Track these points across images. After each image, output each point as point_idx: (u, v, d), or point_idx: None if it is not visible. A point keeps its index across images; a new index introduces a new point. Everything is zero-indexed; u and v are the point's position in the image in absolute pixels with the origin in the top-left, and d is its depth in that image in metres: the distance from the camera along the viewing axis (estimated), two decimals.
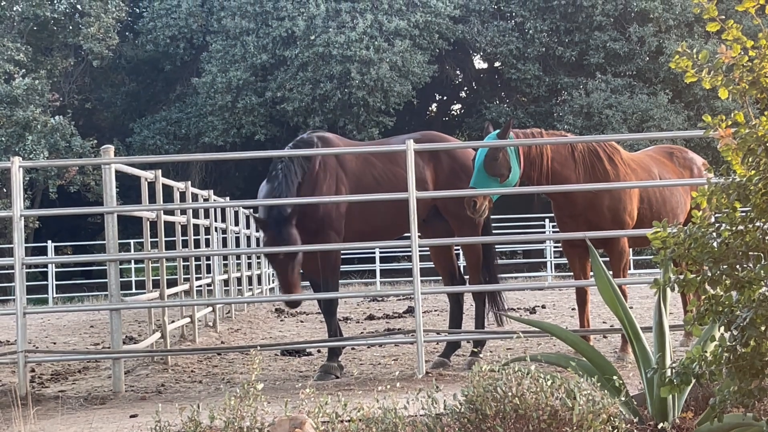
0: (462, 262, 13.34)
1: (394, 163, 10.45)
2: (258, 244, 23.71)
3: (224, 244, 19.85)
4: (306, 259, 10.99)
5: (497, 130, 10.17)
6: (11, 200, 10.05)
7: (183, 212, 14.28)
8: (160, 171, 12.91)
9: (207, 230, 17.10)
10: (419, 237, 10.62)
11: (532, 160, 10.09)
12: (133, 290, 29.81)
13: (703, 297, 5.12)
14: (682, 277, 5.10)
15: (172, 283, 14.10)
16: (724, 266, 4.98)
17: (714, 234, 5.06)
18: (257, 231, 22.72)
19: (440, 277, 11.79)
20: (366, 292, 17.38)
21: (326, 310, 10.60)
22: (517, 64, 38.76)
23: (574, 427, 5.21)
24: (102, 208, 10.39)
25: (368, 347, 12.48)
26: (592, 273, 7.85)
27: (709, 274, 5.02)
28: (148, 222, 12.48)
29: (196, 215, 16.17)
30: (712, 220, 5.17)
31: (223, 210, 19.28)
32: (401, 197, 9.97)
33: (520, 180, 10.13)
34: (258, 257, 23.82)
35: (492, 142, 9.94)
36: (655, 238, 5.13)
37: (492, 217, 11.28)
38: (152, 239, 13.15)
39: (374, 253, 30.81)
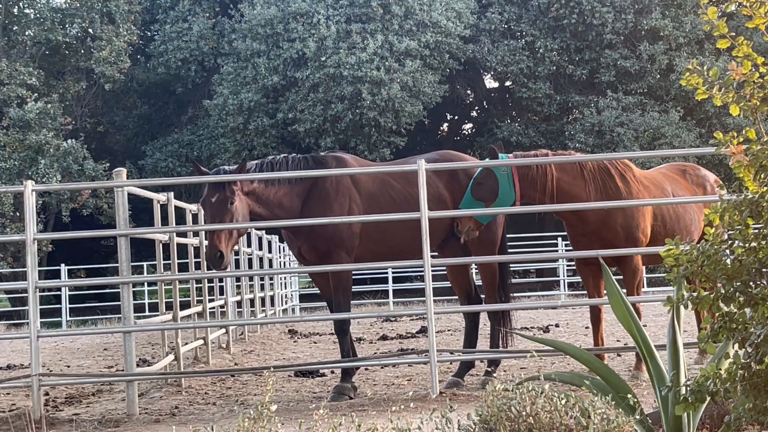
0: (478, 281, 13.34)
1: (412, 184, 10.41)
2: (271, 266, 23.73)
3: (237, 266, 19.86)
4: (318, 278, 11.00)
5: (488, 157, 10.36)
6: (24, 224, 10.09)
7: (195, 234, 14.30)
8: (172, 193, 12.94)
9: None
10: (436, 257, 10.62)
11: (532, 181, 10.13)
12: (147, 312, 29.81)
13: (716, 314, 5.11)
14: (695, 294, 5.08)
15: (185, 305, 14.11)
16: (738, 283, 4.96)
17: (727, 251, 5.05)
18: (260, 251, 22.71)
19: (453, 297, 11.78)
20: (379, 312, 17.36)
21: (339, 331, 10.57)
22: (528, 83, 38.79)
23: None
24: (115, 230, 10.41)
25: (382, 368, 12.46)
26: (605, 291, 7.83)
27: (723, 291, 5.00)
28: (161, 244, 12.49)
29: None
30: (725, 237, 5.16)
31: None
32: (413, 217, 9.98)
33: (524, 201, 10.24)
34: (270, 279, 23.81)
35: (499, 162, 10.05)
36: (668, 255, 5.12)
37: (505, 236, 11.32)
38: (165, 261, 13.15)
39: (387, 273, 30.80)
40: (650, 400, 7.96)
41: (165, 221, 12.88)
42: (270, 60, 37.39)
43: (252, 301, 20.79)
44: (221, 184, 9.99)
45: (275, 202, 10.32)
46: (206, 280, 15.27)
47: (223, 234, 9.88)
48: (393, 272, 31.35)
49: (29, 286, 9.95)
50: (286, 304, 28.98)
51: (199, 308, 14.39)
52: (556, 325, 18.64)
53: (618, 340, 14.22)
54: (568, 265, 30.60)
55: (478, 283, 11.71)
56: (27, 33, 39.25)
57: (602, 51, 38.54)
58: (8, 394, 11.89)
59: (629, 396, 5.94)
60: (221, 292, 17.06)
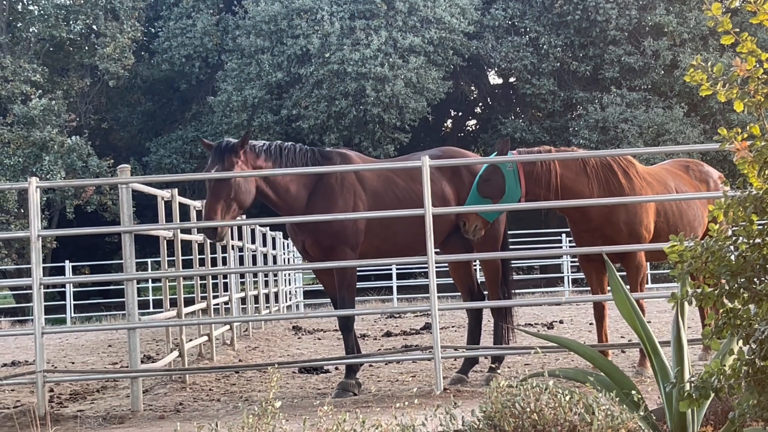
0: (481, 278, 13.33)
1: (416, 181, 10.42)
2: (275, 262, 23.74)
3: (241, 262, 19.87)
4: (322, 275, 11.00)
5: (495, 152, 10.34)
6: (29, 220, 10.10)
7: (200, 231, 14.30)
8: (176, 190, 12.94)
9: (224, 248, 17.13)
10: (438, 253, 10.61)
11: (536, 177, 10.12)
12: (151, 309, 29.86)
13: (721, 311, 5.11)
14: (699, 290, 5.08)
15: (189, 302, 14.12)
16: (742, 279, 4.96)
17: (731, 247, 5.05)
18: (263, 246, 22.73)
19: (457, 293, 11.77)
20: (383, 309, 17.36)
21: (343, 327, 10.58)
22: (532, 80, 38.78)
23: None
24: (119, 227, 10.41)
25: (386, 364, 12.47)
26: (609, 287, 7.84)
27: (727, 287, 5.00)
28: (165, 241, 12.50)
29: None
30: (729, 233, 5.16)
31: (239, 228, 19.32)
32: (417, 213, 9.99)
33: (528, 197, 10.20)
34: (275, 275, 23.81)
35: (502, 158, 10.03)
36: (672, 251, 5.12)
37: (508, 232, 11.32)
38: (169, 258, 13.16)
39: (391, 269, 30.81)
40: (654, 397, 7.95)
41: (169, 218, 12.88)
42: (274, 56, 37.39)
43: (256, 297, 20.82)
44: (222, 157, 9.98)
45: (282, 186, 10.28)
46: (210, 276, 15.28)
47: (219, 205, 9.85)
48: (397, 269, 31.37)
49: (34, 283, 9.96)
50: (290, 300, 29.00)
51: (204, 305, 14.39)
52: (560, 322, 18.64)
53: (622, 337, 14.22)
54: (571, 262, 30.60)
55: (481, 279, 11.71)
56: (31, 30, 39.24)
57: (606, 47, 38.50)
58: (13, 390, 11.91)
59: (633, 392, 5.94)
60: (225, 289, 17.08)
